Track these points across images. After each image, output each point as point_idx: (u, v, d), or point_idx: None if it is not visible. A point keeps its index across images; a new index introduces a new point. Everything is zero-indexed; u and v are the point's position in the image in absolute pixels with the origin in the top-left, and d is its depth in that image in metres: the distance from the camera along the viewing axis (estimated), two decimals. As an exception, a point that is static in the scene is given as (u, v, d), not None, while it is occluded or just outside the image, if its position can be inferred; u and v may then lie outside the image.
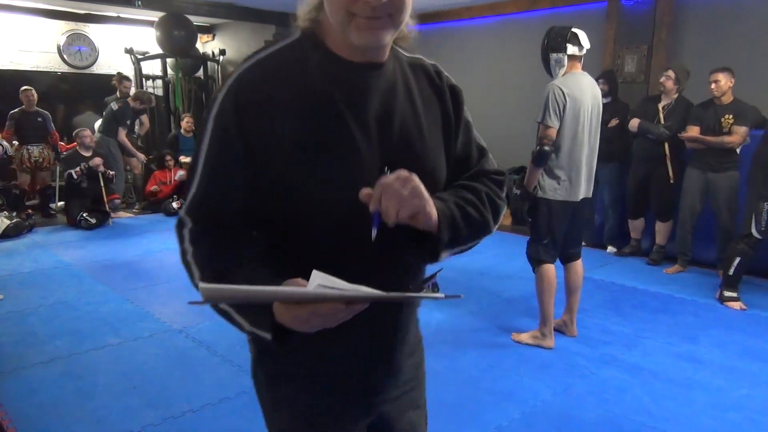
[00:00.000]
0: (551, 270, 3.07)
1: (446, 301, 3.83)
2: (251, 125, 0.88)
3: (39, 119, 6.42)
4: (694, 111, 4.35)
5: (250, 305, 0.85)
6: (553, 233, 3.02)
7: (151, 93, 7.20)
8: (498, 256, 5.03)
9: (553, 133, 2.90)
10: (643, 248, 5.01)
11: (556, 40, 2.92)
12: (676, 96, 4.53)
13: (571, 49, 2.91)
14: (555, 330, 3.21)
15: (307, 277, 0.76)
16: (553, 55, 2.94)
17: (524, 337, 3.19)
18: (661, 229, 4.72)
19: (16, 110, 6.30)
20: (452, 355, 3.03)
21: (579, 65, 2.98)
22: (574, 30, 2.92)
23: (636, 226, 4.95)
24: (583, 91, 2.92)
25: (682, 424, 2.40)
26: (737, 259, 3.71)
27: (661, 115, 4.49)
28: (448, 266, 4.67)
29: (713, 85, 4.16)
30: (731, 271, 3.76)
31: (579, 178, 2.99)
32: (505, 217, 6.28)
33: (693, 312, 3.70)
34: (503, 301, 3.86)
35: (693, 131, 4.30)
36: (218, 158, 0.90)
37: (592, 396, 2.62)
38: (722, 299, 3.82)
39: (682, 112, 4.46)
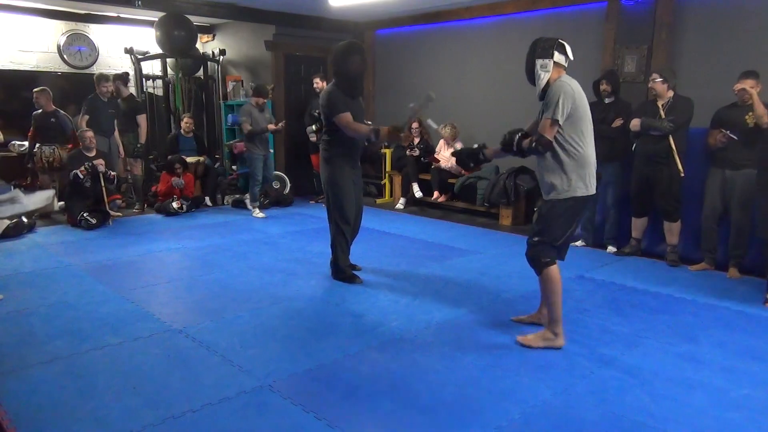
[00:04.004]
0: (557, 270, 3.08)
1: (446, 301, 3.83)
2: None
3: (52, 120, 6.47)
4: (720, 113, 4.40)
5: None
6: (571, 230, 3.07)
7: (107, 73, 7.02)
8: (498, 256, 5.03)
9: (554, 131, 2.91)
10: (642, 248, 5.01)
11: (544, 48, 2.98)
12: (671, 94, 4.54)
13: (558, 56, 2.95)
14: (534, 323, 3.33)
15: None
16: (539, 61, 2.97)
17: (532, 339, 3.11)
18: (672, 229, 4.71)
19: (37, 110, 6.45)
20: (452, 355, 3.03)
21: (564, 74, 3.01)
22: (561, 41, 2.99)
23: (639, 224, 4.93)
24: (581, 91, 2.98)
25: (682, 424, 2.40)
26: None
27: (662, 112, 4.51)
28: (448, 265, 4.68)
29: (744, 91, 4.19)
30: None
31: (594, 172, 3.03)
32: (505, 217, 6.26)
33: (693, 312, 3.70)
34: (503, 301, 3.86)
35: (715, 132, 4.35)
36: None
37: (592, 396, 2.62)
38: (765, 300, 3.84)
39: (682, 107, 4.48)
